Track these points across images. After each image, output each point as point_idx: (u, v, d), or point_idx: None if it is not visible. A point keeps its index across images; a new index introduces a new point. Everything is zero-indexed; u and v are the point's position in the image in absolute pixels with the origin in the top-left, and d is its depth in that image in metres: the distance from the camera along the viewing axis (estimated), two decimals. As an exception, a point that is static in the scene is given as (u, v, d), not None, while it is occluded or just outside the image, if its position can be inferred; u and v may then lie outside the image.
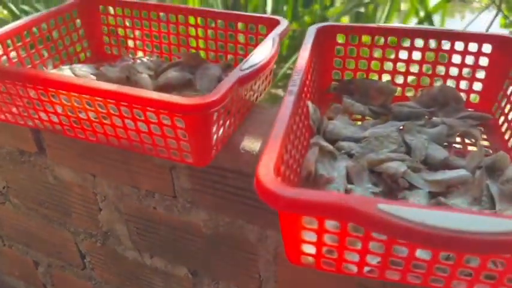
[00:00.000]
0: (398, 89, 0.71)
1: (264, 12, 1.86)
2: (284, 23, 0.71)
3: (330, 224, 0.38)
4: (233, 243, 0.76)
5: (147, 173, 0.75)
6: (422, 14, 1.79)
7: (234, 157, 0.65)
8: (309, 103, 0.61)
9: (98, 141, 0.64)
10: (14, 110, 0.66)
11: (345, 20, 1.95)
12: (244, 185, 0.67)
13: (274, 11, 1.88)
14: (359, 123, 0.67)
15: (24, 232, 1.08)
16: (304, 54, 0.61)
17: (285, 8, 1.87)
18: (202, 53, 0.81)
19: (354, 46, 0.71)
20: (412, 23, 1.87)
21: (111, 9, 0.84)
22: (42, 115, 0.64)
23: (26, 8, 1.87)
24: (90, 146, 0.79)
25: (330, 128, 0.62)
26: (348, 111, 0.69)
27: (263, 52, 0.61)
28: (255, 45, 0.77)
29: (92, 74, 0.79)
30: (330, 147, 0.56)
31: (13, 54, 0.73)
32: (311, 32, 0.69)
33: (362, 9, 1.89)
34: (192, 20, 0.79)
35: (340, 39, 0.72)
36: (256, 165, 0.39)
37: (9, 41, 0.72)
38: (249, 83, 0.59)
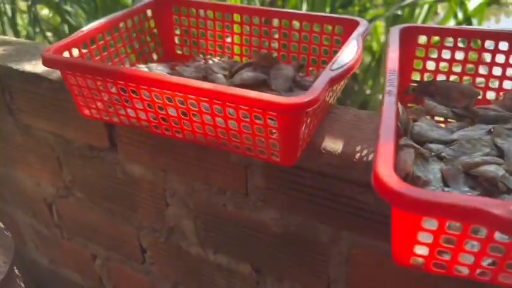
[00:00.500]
0: (480, 92, 0.70)
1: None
2: (364, 24, 0.71)
3: (449, 225, 0.38)
4: (303, 243, 0.76)
5: (221, 170, 0.77)
6: (460, 16, 1.76)
7: (314, 157, 0.65)
8: (399, 104, 0.61)
9: (184, 138, 0.65)
10: (100, 105, 0.69)
11: (381, 24, 1.94)
12: (322, 185, 0.68)
13: (311, 11, 1.88)
14: (443, 125, 0.67)
15: (85, 225, 1.11)
16: (392, 55, 0.61)
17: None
18: (273, 54, 0.82)
19: (435, 47, 0.70)
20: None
21: (184, 10, 0.86)
22: (130, 111, 0.66)
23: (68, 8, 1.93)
24: (163, 143, 0.81)
25: (417, 129, 0.62)
26: (430, 113, 0.68)
27: (350, 52, 0.61)
28: (330, 46, 0.77)
29: (167, 73, 0.81)
30: (422, 149, 0.56)
31: (95, 52, 0.76)
32: (394, 33, 0.69)
33: (399, 12, 1.87)
34: (264, 20, 0.80)
35: (421, 40, 0.71)
36: (374, 166, 0.40)
37: (91, 40, 0.74)
38: (339, 83, 0.60)
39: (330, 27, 0.76)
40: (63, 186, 1.07)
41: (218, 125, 0.60)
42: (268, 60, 0.80)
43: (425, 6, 1.86)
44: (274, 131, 0.56)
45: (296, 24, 0.78)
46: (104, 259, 1.16)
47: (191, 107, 0.59)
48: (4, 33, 2.00)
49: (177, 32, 0.89)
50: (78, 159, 0.97)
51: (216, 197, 0.81)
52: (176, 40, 0.90)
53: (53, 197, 1.12)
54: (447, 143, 0.60)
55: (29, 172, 1.12)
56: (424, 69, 0.73)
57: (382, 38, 1.92)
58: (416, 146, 0.56)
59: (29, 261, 1.40)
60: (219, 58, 0.87)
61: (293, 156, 0.59)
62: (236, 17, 0.83)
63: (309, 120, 0.59)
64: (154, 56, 0.89)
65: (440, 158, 0.58)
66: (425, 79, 0.73)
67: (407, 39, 0.71)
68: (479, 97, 0.70)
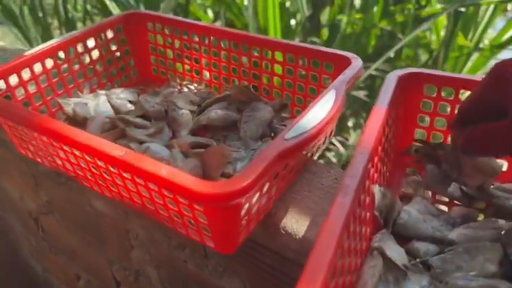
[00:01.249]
0: (505, 163, 0.53)
1: (352, 7, 1.66)
2: (356, 65, 0.55)
3: None
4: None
5: (178, 226, 0.65)
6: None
7: (273, 235, 0.52)
8: (376, 188, 0.45)
9: (114, 198, 0.54)
10: (30, 147, 0.58)
11: (443, 22, 1.71)
12: (282, 268, 0.54)
13: (363, 8, 1.68)
14: (444, 208, 0.51)
15: (66, 246, 1.04)
16: (377, 115, 0.46)
17: (375, 8, 1.66)
18: (254, 87, 0.68)
19: (447, 102, 0.54)
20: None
21: (159, 27, 0.74)
22: (57, 160, 0.55)
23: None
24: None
25: (403, 219, 0.47)
26: (431, 188, 0.52)
27: (318, 112, 0.46)
28: (317, 86, 0.62)
29: (130, 102, 0.70)
30: (399, 263, 0.41)
31: (43, 77, 0.65)
32: (391, 81, 0.53)
33: (462, 9, 1.63)
34: (244, 48, 0.66)
35: (428, 91, 0.55)
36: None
37: (38, 65, 0.64)
38: (294, 156, 0.46)
39: (318, 63, 0.61)
40: (43, 204, 0.99)
41: (143, 194, 0.47)
42: (246, 95, 0.66)
43: (492, 4, 1.61)
44: (202, 215, 0.43)
45: (279, 55, 0.64)
46: (86, 281, 1.09)
47: (102, 169, 0.47)
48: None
49: (153, 51, 0.77)
50: (50, 181, 0.89)
51: (176, 251, 0.69)
52: (152, 60, 0.78)
53: (36, 212, 1.05)
54: (442, 242, 0.45)
55: (13, 184, 1.06)
56: (431, 127, 0.56)
57: (442, 33, 1.69)
58: (390, 254, 0.41)
59: (26, 265, 1.37)
60: (195, 85, 0.74)
61: (231, 245, 0.46)
62: (214, 40, 0.69)
63: (255, 197, 0.45)
64: (125, 78, 0.77)
65: (427, 266, 0.43)
66: (432, 140, 0.57)
67: (410, 88, 0.55)
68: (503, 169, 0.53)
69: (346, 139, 1.64)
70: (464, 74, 0.53)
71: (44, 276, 1.31)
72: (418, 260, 0.43)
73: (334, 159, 1.50)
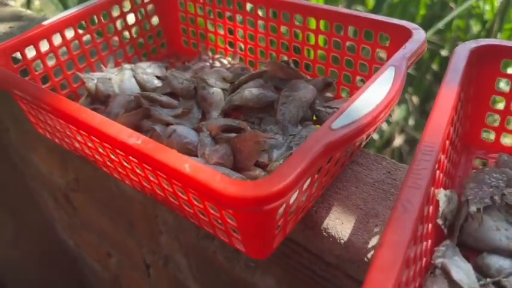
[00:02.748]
0: None
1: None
2: (418, 38, 0.46)
3: None
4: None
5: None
6: None
7: (314, 236, 0.45)
8: (441, 193, 0.37)
9: (135, 187, 0.48)
10: (48, 127, 0.53)
11: None
12: (323, 273, 0.47)
13: None
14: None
15: (96, 224, 1.01)
16: (446, 101, 0.37)
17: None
18: (294, 63, 0.60)
19: None
20: None
21: (190, -7, 0.66)
22: (75, 143, 0.50)
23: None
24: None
25: (473, 226, 0.38)
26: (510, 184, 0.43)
27: (373, 96, 0.38)
28: (369, 61, 0.53)
29: (157, 78, 0.63)
30: (463, 283, 0.33)
31: (63, 50, 0.60)
32: (461, 55, 0.44)
33: None
34: (285, 16, 0.58)
35: (505, 67, 0.45)
36: None
37: (57, 36, 0.58)
38: (342, 149, 0.38)
39: (371, 34, 0.52)
40: (71, 181, 0.96)
41: (165, 187, 0.41)
42: (285, 71, 0.58)
43: None
44: (231, 217, 0.37)
45: (324, 25, 0.55)
46: (117, 260, 1.07)
47: (121, 157, 0.41)
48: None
49: (183, 20, 0.70)
50: (77, 159, 0.85)
51: (205, 241, 0.64)
52: (182, 30, 0.70)
53: (65, 188, 1.03)
54: (521, 258, 0.36)
55: (41, 159, 1.03)
56: (507, 111, 0.47)
57: (497, 3, 1.54)
58: (454, 278, 0.33)
59: (59, 238, 1.37)
60: (229, 59, 0.67)
61: (264, 251, 0.39)
62: (250, 7, 0.61)
63: (305, 186, 0.38)
64: (154, 50, 0.71)
65: (500, 287, 0.35)
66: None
67: (486, 61, 0.45)
68: None
69: (390, 115, 1.53)
70: None
71: (76, 251, 1.31)
72: (489, 280, 0.35)
73: (375, 136, 1.41)
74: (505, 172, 0.43)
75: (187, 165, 0.33)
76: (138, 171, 0.43)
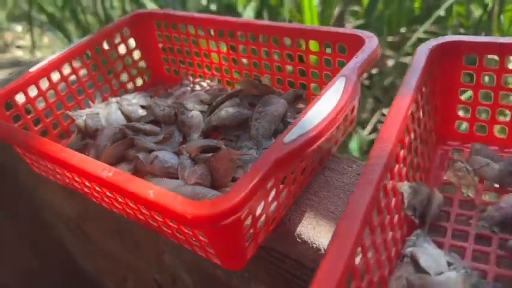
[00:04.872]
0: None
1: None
2: (370, 45, 0.49)
3: None
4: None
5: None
6: None
7: (289, 245, 0.48)
8: (404, 185, 0.40)
9: (122, 214, 0.51)
10: (41, 166, 0.58)
11: None
12: (303, 276, 0.50)
13: None
14: (494, 196, 0.45)
15: (109, 250, 1.05)
16: (402, 99, 0.40)
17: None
18: (267, 79, 0.63)
19: (492, 71, 0.47)
20: None
21: (166, 24, 0.70)
22: (65, 178, 0.54)
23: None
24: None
25: (433, 212, 0.41)
26: (480, 173, 0.46)
27: (322, 108, 0.41)
28: (332, 71, 0.56)
29: (142, 107, 0.67)
30: (432, 271, 0.36)
31: (51, 92, 0.64)
32: (421, 54, 0.47)
33: None
34: (252, 37, 0.61)
35: (469, 60, 0.48)
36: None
37: (44, 81, 0.63)
38: (295, 162, 0.41)
39: (331, 46, 0.55)
40: (82, 210, 1.01)
41: (143, 212, 0.45)
42: (258, 88, 0.62)
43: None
44: (202, 234, 0.40)
45: (287, 41, 0.58)
46: (133, 284, 1.10)
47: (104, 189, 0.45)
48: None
49: (163, 50, 0.74)
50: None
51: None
52: (163, 60, 0.75)
53: (76, 218, 1.08)
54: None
55: (53, 192, 1.08)
56: (476, 102, 0.49)
57: None
58: (421, 264, 0.36)
59: (80, 268, 1.42)
60: (208, 81, 0.71)
61: (238, 262, 0.42)
62: (219, 33, 0.65)
63: (270, 197, 0.41)
64: (139, 81, 0.75)
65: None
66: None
67: (448, 57, 0.48)
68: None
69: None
70: (507, 37, 0.46)
71: (97, 278, 1.35)
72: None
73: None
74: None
75: (151, 191, 0.36)
76: (120, 199, 0.46)
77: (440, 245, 0.41)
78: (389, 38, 1.47)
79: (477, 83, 0.49)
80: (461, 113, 0.53)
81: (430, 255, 0.38)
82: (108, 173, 0.40)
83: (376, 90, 1.49)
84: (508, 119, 0.49)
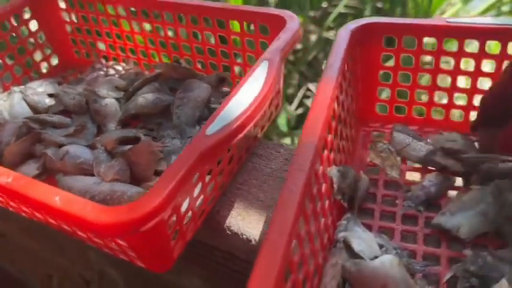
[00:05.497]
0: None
1: None
2: (291, 26, 0.47)
3: None
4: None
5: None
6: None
7: (218, 237, 0.45)
8: (333, 170, 0.39)
9: (31, 218, 0.46)
10: None
11: None
12: (236, 267, 0.48)
13: None
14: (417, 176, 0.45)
15: (30, 249, 0.98)
16: (328, 82, 0.39)
17: None
18: (188, 61, 0.59)
19: (410, 53, 0.47)
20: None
21: (71, 2, 0.63)
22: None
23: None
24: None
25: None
26: (402, 153, 0.46)
27: (245, 95, 0.38)
28: (255, 53, 0.54)
29: (50, 96, 0.61)
30: (366, 255, 0.36)
31: None
32: (342, 37, 0.45)
33: None
34: (168, 17, 0.57)
35: (388, 43, 0.48)
36: None
37: None
38: (219, 154, 0.38)
39: (251, 27, 0.52)
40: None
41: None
42: (178, 72, 0.58)
43: None
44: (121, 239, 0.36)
45: (208, 21, 0.55)
46: (58, 281, 1.04)
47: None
48: None
49: (70, 32, 0.67)
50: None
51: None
52: (71, 41, 0.68)
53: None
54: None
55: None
56: (395, 84, 0.49)
57: None
58: (354, 249, 0.36)
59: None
60: (123, 65, 0.65)
61: (164, 263, 0.39)
62: (133, 12, 0.60)
63: (195, 192, 0.38)
64: (46, 66, 0.68)
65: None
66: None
67: (368, 39, 0.47)
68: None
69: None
70: (424, 19, 0.46)
71: (19, 276, 1.26)
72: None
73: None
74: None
75: (57, 198, 0.32)
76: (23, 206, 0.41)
77: (369, 227, 0.41)
78: (312, 13, 1.48)
79: (396, 64, 0.49)
80: (381, 95, 0.54)
81: (362, 239, 0.38)
82: (7, 178, 0.35)
83: (301, 66, 1.50)
84: (426, 99, 0.50)
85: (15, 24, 0.63)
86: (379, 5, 1.56)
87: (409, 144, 0.47)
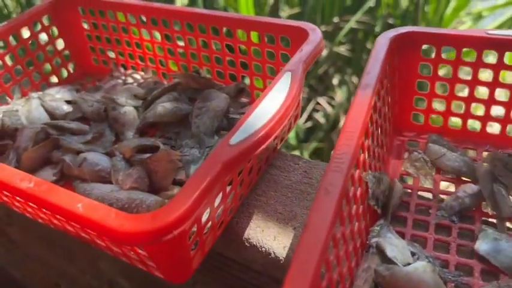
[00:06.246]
0: None
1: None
2: (314, 38, 0.47)
3: None
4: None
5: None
6: None
7: (237, 249, 0.45)
8: (368, 175, 0.39)
9: (48, 225, 0.46)
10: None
11: None
12: (253, 280, 0.47)
13: None
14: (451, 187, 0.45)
15: (39, 256, 0.97)
16: (366, 89, 0.39)
17: None
18: (207, 71, 0.59)
19: (449, 63, 0.47)
20: None
21: (92, 11, 0.64)
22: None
23: None
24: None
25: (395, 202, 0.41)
26: (436, 164, 0.46)
27: (269, 106, 0.38)
28: (276, 64, 0.54)
29: (68, 103, 0.61)
30: (399, 262, 0.35)
31: (-40, 88, 0.56)
32: (381, 45, 0.45)
33: None
34: (188, 26, 0.57)
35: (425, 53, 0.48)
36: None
37: None
38: (243, 164, 0.38)
39: (273, 38, 0.52)
40: (3, 216, 0.92)
41: (72, 224, 0.40)
42: (197, 81, 0.58)
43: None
44: (140, 247, 0.36)
45: (229, 31, 0.55)
46: (65, 288, 1.03)
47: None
48: None
49: (89, 39, 0.67)
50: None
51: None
52: (90, 50, 0.68)
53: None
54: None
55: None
56: (432, 94, 0.49)
57: None
58: (389, 254, 0.35)
59: (5, 272, 1.31)
60: (142, 74, 0.66)
61: (182, 275, 0.39)
62: (153, 20, 0.60)
63: (216, 202, 0.38)
64: (64, 73, 0.68)
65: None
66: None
67: (407, 48, 0.47)
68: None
69: (332, 98, 1.56)
70: (466, 30, 0.46)
71: (24, 283, 1.25)
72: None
73: (322, 120, 1.43)
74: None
75: (80, 205, 0.32)
76: (44, 211, 0.41)
77: (401, 235, 0.41)
78: (323, 28, 1.48)
79: (434, 74, 0.49)
80: (417, 104, 0.53)
81: (395, 245, 0.38)
82: (29, 183, 0.35)
83: (311, 79, 1.50)
84: (462, 111, 0.50)
85: (35, 31, 0.63)
86: (390, 21, 1.56)
87: (444, 154, 0.46)
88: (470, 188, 0.43)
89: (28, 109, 0.59)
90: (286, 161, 0.51)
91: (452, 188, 0.46)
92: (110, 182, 0.48)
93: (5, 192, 0.43)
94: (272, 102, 0.39)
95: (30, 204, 0.41)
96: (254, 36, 0.53)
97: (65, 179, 0.50)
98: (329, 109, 1.46)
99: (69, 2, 0.64)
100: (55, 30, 0.65)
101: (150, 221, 0.30)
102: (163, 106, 0.55)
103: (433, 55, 0.48)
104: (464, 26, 1.66)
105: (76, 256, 0.80)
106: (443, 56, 0.48)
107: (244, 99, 0.58)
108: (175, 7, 0.57)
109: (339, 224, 0.32)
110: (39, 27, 0.63)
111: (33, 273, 1.12)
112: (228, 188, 0.40)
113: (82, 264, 0.81)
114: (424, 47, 0.49)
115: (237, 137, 0.36)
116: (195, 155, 0.50)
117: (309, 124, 1.45)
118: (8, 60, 0.61)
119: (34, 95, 0.61)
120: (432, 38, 0.47)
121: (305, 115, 1.42)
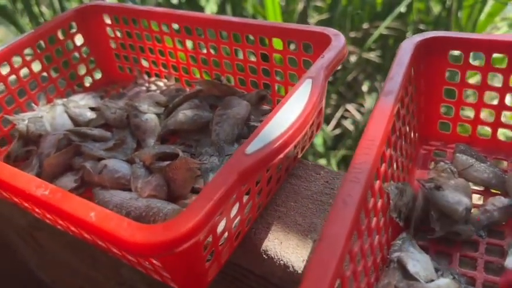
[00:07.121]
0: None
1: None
2: (337, 44, 0.45)
3: None
4: None
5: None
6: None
7: (254, 260, 0.44)
8: (389, 186, 0.37)
9: (66, 231, 0.46)
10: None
11: None
12: (273, 294, 0.46)
13: None
14: (480, 199, 0.42)
15: (65, 261, 0.99)
16: (388, 96, 0.37)
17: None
18: (229, 78, 0.59)
19: (477, 70, 0.45)
20: None
21: (116, 18, 0.64)
22: (4, 194, 0.48)
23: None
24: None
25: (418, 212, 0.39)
26: (464, 175, 0.44)
27: (288, 114, 0.37)
28: (298, 71, 0.53)
29: (92, 110, 0.61)
30: (422, 278, 0.33)
31: (-12, 95, 0.57)
32: (405, 50, 0.44)
33: None
34: (211, 34, 0.57)
35: (453, 58, 0.46)
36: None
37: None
38: (258, 174, 0.37)
39: (295, 45, 0.51)
40: (32, 220, 0.94)
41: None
42: (219, 88, 0.57)
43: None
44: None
45: (250, 38, 0.54)
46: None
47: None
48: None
49: (114, 47, 0.68)
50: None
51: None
52: (115, 57, 0.69)
53: (28, 227, 1.00)
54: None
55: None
56: (460, 101, 0.47)
57: None
58: (409, 270, 0.33)
59: (36, 278, 1.34)
60: (165, 81, 0.65)
61: (196, 286, 0.38)
62: (176, 28, 0.60)
63: (233, 213, 0.37)
64: (89, 80, 0.69)
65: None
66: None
67: (433, 53, 0.45)
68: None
69: (361, 105, 1.53)
70: (496, 34, 0.44)
71: (52, 286, 1.28)
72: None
73: (350, 127, 1.41)
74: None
75: (92, 214, 0.31)
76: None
77: (425, 250, 0.39)
78: (352, 34, 1.46)
79: (462, 81, 0.47)
80: (445, 112, 0.51)
81: (417, 260, 0.36)
82: (44, 191, 0.34)
83: (340, 86, 1.47)
84: (492, 119, 0.47)
85: (62, 38, 0.64)
86: (422, 27, 1.52)
87: (472, 165, 0.44)
88: (500, 201, 0.40)
89: (52, 116, 0.59)
90: (308, 171, 0.49)
91: (480, 201, 0.43)
92: (130, 189, 0.48)
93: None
94: (291, 110, 0.37)
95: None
96: (276, 42, 0.52)
97: (86, 186, 0.51)
98: (358, 116, 1.43)
99: (95, 9, 0.65)
100: (80, 37, 0.66)
101: (161, 232, 0.29)
102: (184, 113, 0.55)
103: (461, 61, 0.46)
104: (499, 32, 1.61)
105: (100, 262, 0.81)
106: (476, 63, 0.45)
107: (265, 107, 0.57)
108: (197, 14, 0.57)
109: (356, 237, 0.31)
110: (65, 34, 0.64)
111: (61, 277, 1.14)
112: (246, 198, 0.39)
113: (106, 271, 0.82)
114: (456, 53, 0.47)
115: (253, 146, 0.35)
116: (214, 163, 0.49)
117: (338, 131, 1.43)
118: (35, 68, 0.62)
119: (59, 101, 0.61)
120: (459, 43, 0.45)
121: (333, 122, 1.40)
